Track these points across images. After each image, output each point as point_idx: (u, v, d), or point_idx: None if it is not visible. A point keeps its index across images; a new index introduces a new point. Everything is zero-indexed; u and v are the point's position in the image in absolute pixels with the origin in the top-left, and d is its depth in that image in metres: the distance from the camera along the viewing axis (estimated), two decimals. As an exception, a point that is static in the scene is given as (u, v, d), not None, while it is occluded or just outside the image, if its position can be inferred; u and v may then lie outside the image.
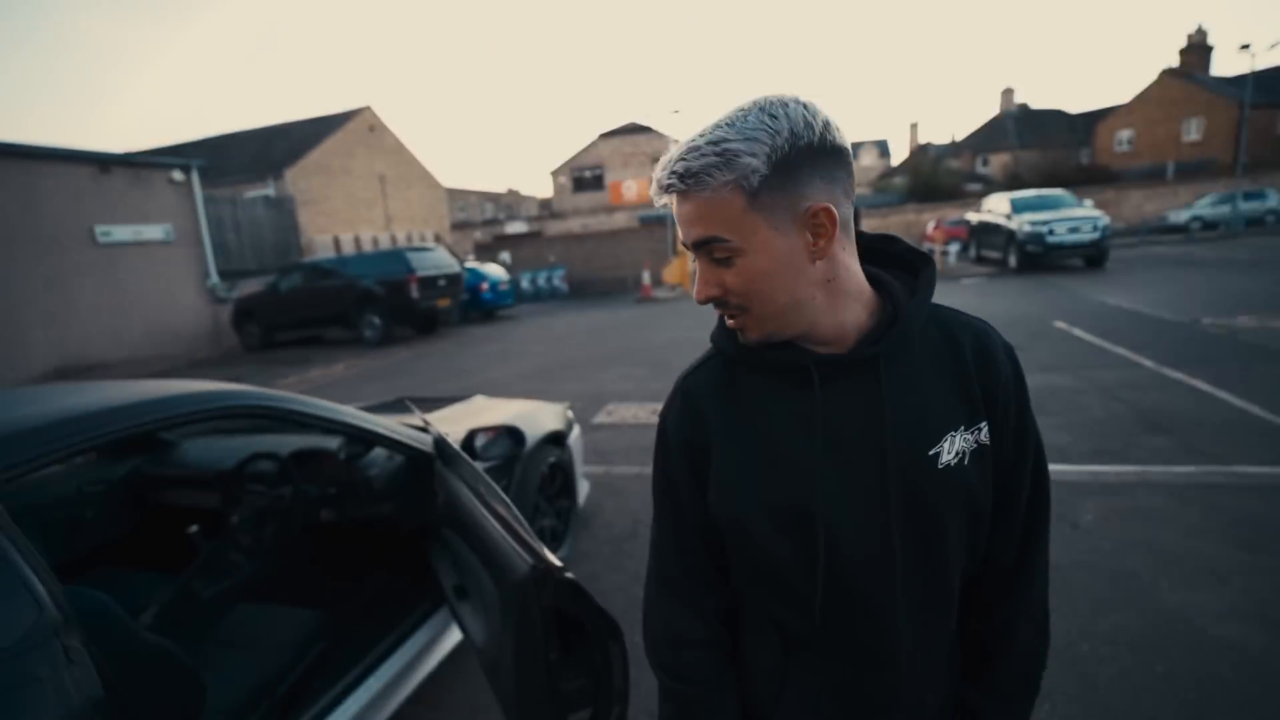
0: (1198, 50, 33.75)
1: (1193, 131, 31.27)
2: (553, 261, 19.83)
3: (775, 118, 0.63)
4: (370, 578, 2.48)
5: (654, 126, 29.29)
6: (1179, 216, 22.00)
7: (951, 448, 0.72)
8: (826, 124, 0.65)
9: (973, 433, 0.74)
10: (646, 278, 16.93)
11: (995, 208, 15.02)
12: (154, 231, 12.96)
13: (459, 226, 33.70)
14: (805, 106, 0.65)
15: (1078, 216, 12.84)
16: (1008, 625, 0.82)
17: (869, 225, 27.01)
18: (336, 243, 18.51)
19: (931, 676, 0.79)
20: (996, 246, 14.67)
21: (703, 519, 0.80)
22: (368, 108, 21.35)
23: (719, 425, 0.77)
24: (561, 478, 3.26)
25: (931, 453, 0.72)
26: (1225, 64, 72.50)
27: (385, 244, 19.10)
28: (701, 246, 0.68)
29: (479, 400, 3.62)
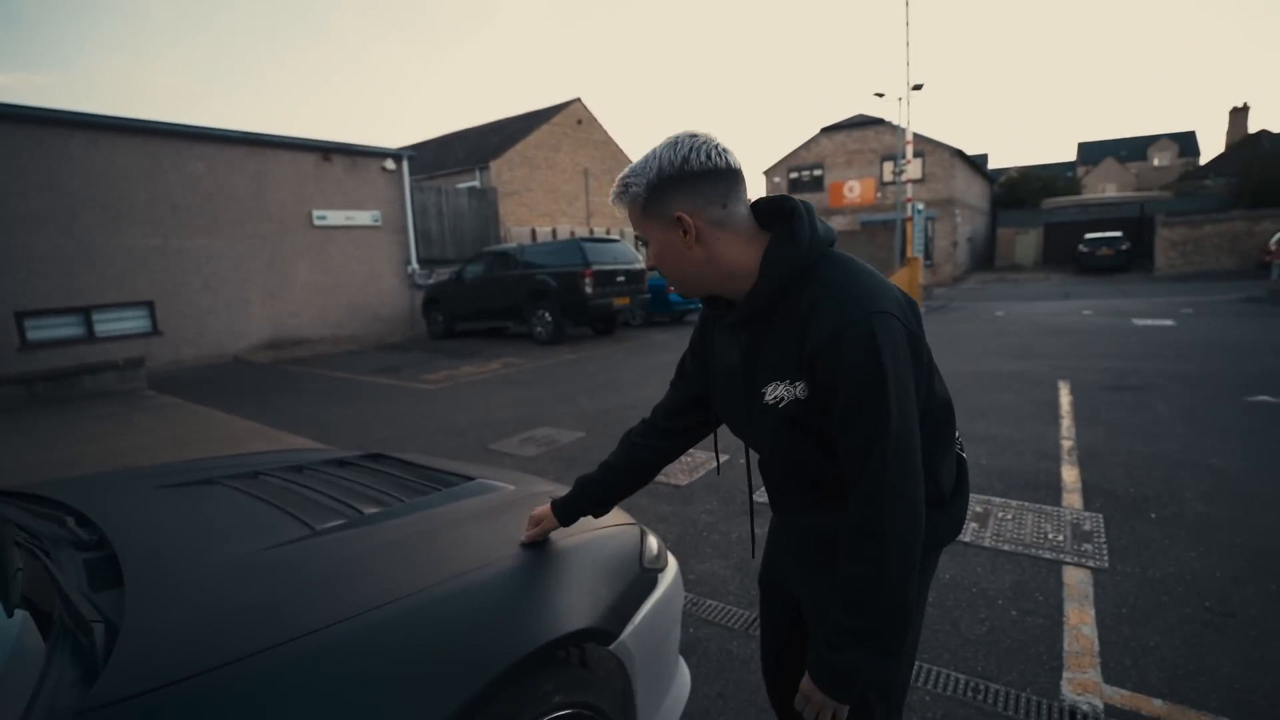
0: None
1: None
2: (754, 264, 17.77)
3: (654, 158, 1.01)
4: None
5: (885, 118, 25.53)
6: None
7: (774, 391, 1.03)
8: (685, 159, 0.99)
9: (793, 386, 1.01)
10: (862, 287, 14.11)
11: None
12: (364, 217, 13.40)
13: (665, 227, 32.88)
14: (675, 146, 1.00)
15: None
16: (842, 557, 1.00)
17: (1174, 236, 21.27)
18: (533, 234, 18.34)
19: (800, 548, 1.21)
20: None
21: None
22: (577, 100, 21.09)
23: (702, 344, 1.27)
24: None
25: (760, 390, 1.06)
26: None
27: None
28: (639, 236, 1.08)
29: (466, 506, 1.65)
